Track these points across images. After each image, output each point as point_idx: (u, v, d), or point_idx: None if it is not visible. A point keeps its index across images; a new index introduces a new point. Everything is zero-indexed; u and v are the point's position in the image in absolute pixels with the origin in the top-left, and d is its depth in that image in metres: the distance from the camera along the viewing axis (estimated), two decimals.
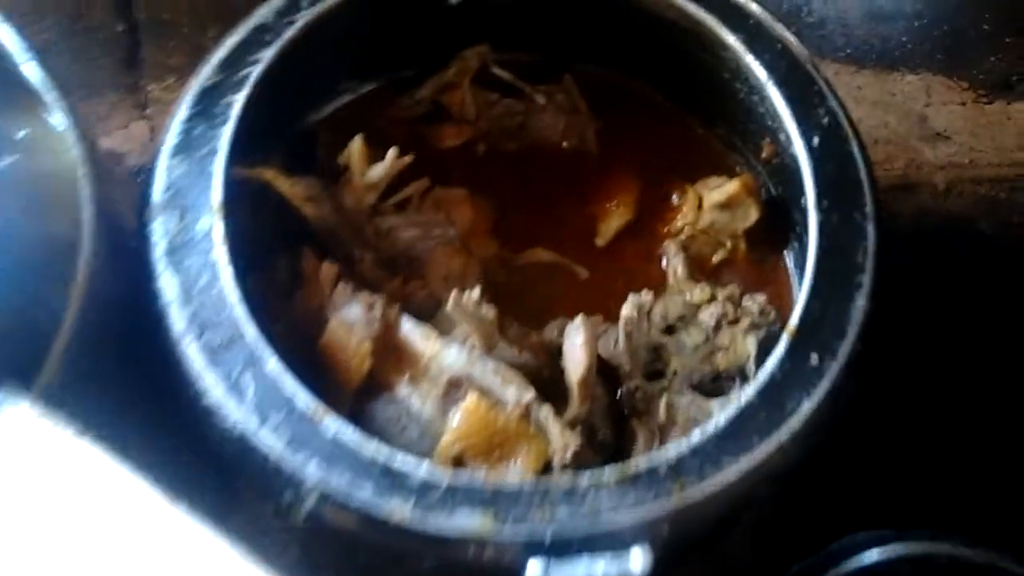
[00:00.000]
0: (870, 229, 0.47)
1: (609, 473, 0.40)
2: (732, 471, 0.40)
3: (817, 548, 0.62)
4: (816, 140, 0.50)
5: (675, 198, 0.64)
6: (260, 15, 0.53)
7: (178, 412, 0.43)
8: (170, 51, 0.82)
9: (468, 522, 0.38)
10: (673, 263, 0.62)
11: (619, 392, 0.56)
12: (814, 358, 0.43)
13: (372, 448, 0.40)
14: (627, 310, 0.55)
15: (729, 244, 0.63)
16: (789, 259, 0.62)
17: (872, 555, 0.61)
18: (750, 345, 0.57)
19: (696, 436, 0.42)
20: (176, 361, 0.42)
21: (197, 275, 0.43)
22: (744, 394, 0.43)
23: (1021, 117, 0.86)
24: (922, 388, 0.72)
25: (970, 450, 0.70)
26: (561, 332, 0.59)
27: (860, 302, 0.45)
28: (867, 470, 0.68)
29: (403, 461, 0.40)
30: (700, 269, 0.62)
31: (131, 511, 0.31)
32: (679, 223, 0.63)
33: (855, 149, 0.50)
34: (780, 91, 0.54)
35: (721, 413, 0.43)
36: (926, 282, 0.73)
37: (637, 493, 0.39)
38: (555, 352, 0.55)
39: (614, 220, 0.64)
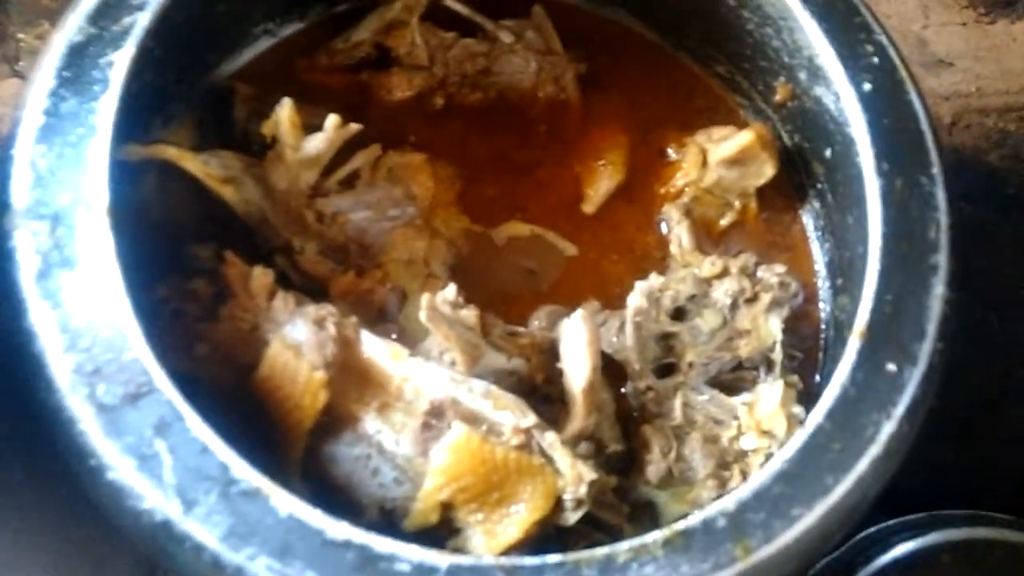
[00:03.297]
0: (941, 197, 0.38)
1: (655, 538, 0.31)
2: (804, 520, 0.32)
3: (844, 538, 0.56)
4: (866, 85, 0.41)
5: (672, 153, 0.55)
6: None
7: (80, 491, 0.32)
8: None
9: None
10: (676, 231, 0.53)
11: (623, 388, 0.47)
12: (891, 366, 0.35)
13: (341, 528, 0.30)
14: (636, 300, 0.46)
15: (738, 204, 0.54)
16: (807, 219, 0.53)
17: (907, 546, 0.55)
18: (774, 327, 0.49)
19: (757, 479, 0.33)
20: (64, 423, 0.31)
21: (81, 306, 0.31)
22: (811, 418, 0.34)
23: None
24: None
25: (995, 412, 0.64)
26: (550, 321, 0.50)
27: (938, 290, 0.36)
28: None
29: (385, 543, 0.30)
30: (706, 235, 0.53)
31: None
32: (679, 182, 0.54)
33: (914, 96, 0.41)
34: (815, 22, 0.44)
35: (786, 443, 0.34)
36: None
37: (692, 562, 0.31)
38: (549, 350, 0.45)
39: (603, 182, 0.54)
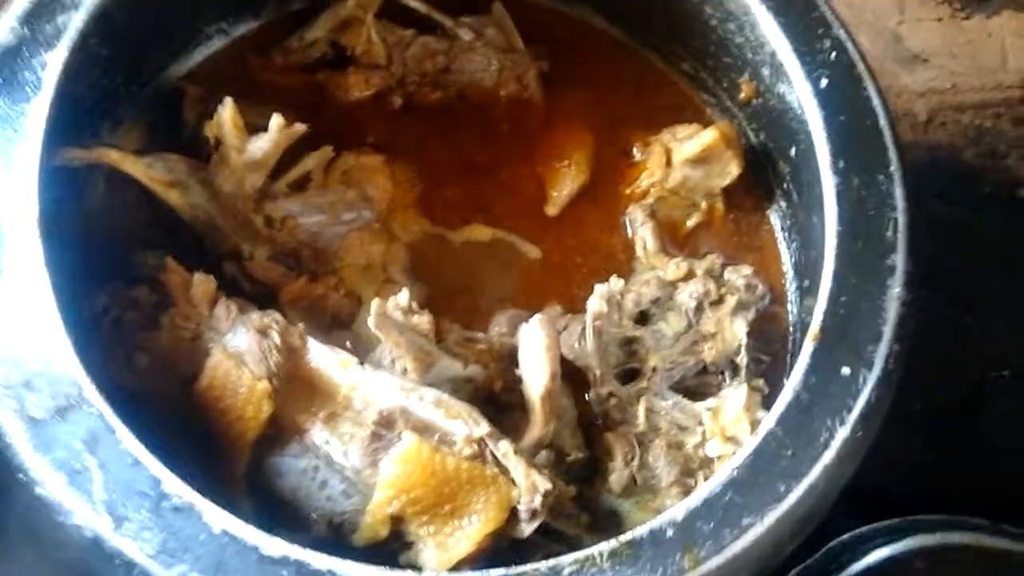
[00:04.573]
0: (899, 195, 0.38)
1: (601, 549, 0.31)
2: (754, 528, 0.32)
3: (816, 545, 0.56)
4: (823, 81, 0.41)
5: (637, 152, 0.55)
6: None
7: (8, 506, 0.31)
8: None
9: None
10: (640, 233, 0.53)
11: (587, 395, 0.47)
12: (845, 370, 0.35)
13: (277, 545, 0.30)
14: (595, 304, 0.45)
15: (704, 204, 0.54)
16: (775, 219, 0.53)
17: (881, 552, 0.55)
18: (739, 330, 0.49)
19: (708, 487, 0.33)
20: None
21: (9, 317, 0.31)
22: (763, 424, 0.34)
23: (1001, 33, 0.78)
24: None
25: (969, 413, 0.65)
26: (511, 327, 0.49)
27: (895, 291, 0.36)
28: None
29: (322, 560, 0.30)
30: (672, 236, 0.53)
31: None
32: (644, 183, 0.54)
33: (872, 92, 0.41)
34: (772, 15, 0.44)
35: (736, 451, 0.34)
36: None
37: (639, 574, 0.30)
38: (508, 357, 0.45)
39: (566, 183, 0.54)
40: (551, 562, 0.31)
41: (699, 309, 0.50)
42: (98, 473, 0.30)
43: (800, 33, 0.42)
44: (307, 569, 0.30)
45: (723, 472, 0.33)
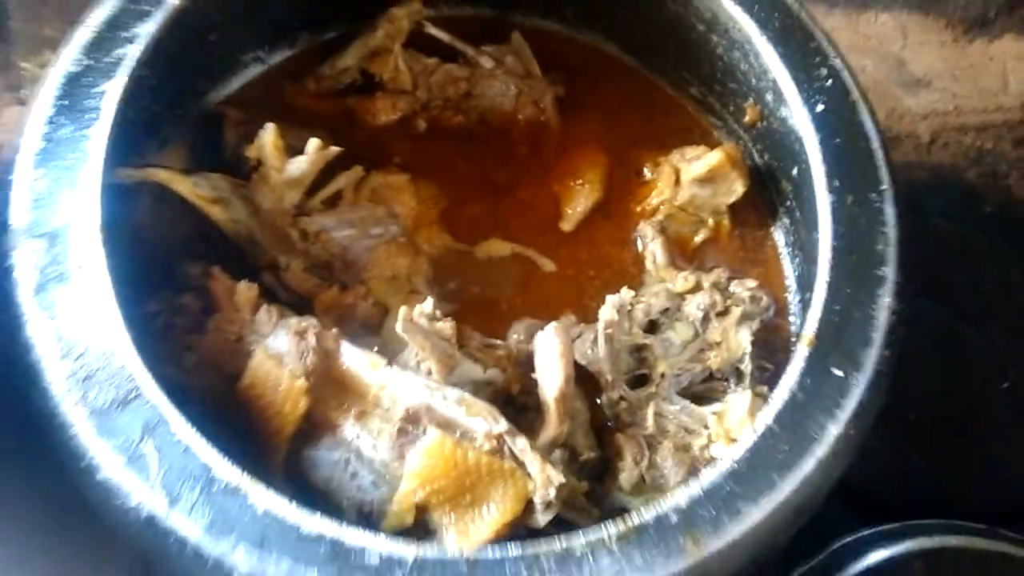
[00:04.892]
0: (890, 213, 0.41)
1: (610, 530, 0.34)
2: (751, 516, 0.35)
3: (819, 547, 0.58)
4: (820, 106, 0.44)
5: (647, 172, 0.58)
6: None
7: (73, 488, 0.35)
8: (43, 20, 0.72)
9: None
10: (651, 248, 0.56)
11: (599, 399, 0.50)
12: (837, 371, 0.38)
13: (315, 523, 0.33)
14: (607, 312, 0.49)
15: (711, 221, 0.57)
16: (778, 235, 0.57)
17: (880, 553, 0.57)
18: (744, 339, 0.52)
19: (708, 476, 0.36)
20: (58, 427, 0.34)
21: (75, 318, 0.35)
22: (761, 421, 0.37)
23: (1003, 56, 0.82)
24: (913, 351, 0.68)
25: (968, 423, 0.67)
26: (528, 335, 0.52)
27: (886, 300, 0.39)
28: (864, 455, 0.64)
29: (356, 536, 0.33)
30: (680, 251, 0.56)
31: None
32: (654, 200, 0.57)
33: (866, 116, 0.44)
34: (772, 47, 0.47)
35: (735, 445, 0.37)
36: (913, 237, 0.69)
37: (644, 551, 0.33)
38: (525, 362, 0.48)
39: (580, 201, 0.57)
40: (564, 543, 0.34)
41: (706, 319, 0.53)
42: (154, 458, 0.33)
43: (798, 61, 0.46)
44: (342, 545, 0.33)
45: (723, 464, 0.36)
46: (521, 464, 0.42)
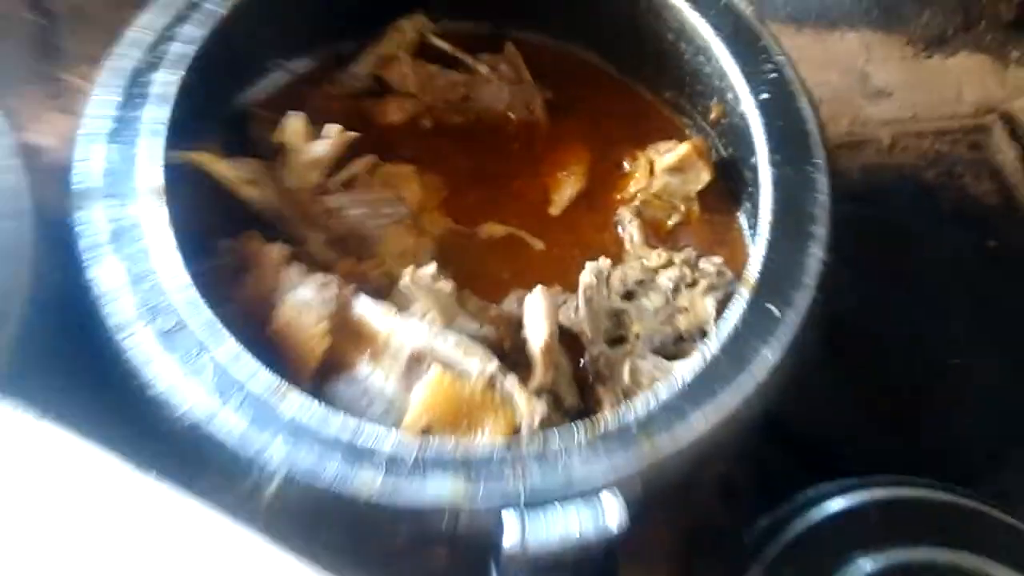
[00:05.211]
0: (822, 181, 0.49)
1: (580, 432, 0.42)
2: (699, 424, 0.42)
3: (783, 499, 0.65)
4: (764, 95, 0.52)
5: (626, 165, 0.66)
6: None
7: (129, 402, 0.42)
8: (87, 39, 0.81)
9: (441, 491, 0.39)
10: (628, 230, 0.64)
11: (582, 360, 0.58)
12: (774, 310, 0.45)
13: (338, 422, 0.41)
14: (586, 277, 0.56)
15: (683, 207, 0.65)
16: (742, 218, 0.64)
17: (839, 503, 0.64)
18: (709, 306, 0.59)
19: (663, 391, 0.43)
20: (122, 350, 0.42)
21: (141, 261, 0.43)
22: (708, 348, 0.45)
23: (958, 70, 0.90)
24: (875, 332, 0.75)
25: (921, 395, 0.74)
26: (520, 304, 0.60)
27: (816, 252, 0.47)
28: (827, 421, 0.71)
29: (370, 433, 0.41)
30: (655, 234, 0.64)
31: (104, 484, 0.31)
32: (632, 189, 0.65)
33: (804, 103, 0.52)
34: (727, 49, 0.56)
35: (688, 367, 0.44)
36: (875, 231, 0.77)
37: (608, 450, 0.41)
38: (516, 324, 0.56)
39: (567, 190, 0.65)
40: (543, 442, 0.41)
41: (676, 290, 0.61)
42: (208, 369, 0.41)
43: (747, 59, 0.54)
44: (357, 442, 0.40)
45: (677, 382, 0.44)
46: (510, 397, 0.50)
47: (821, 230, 0.47)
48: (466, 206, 0.64)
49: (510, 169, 0.66)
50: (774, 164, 0.50)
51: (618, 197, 0.65)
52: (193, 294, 0.42)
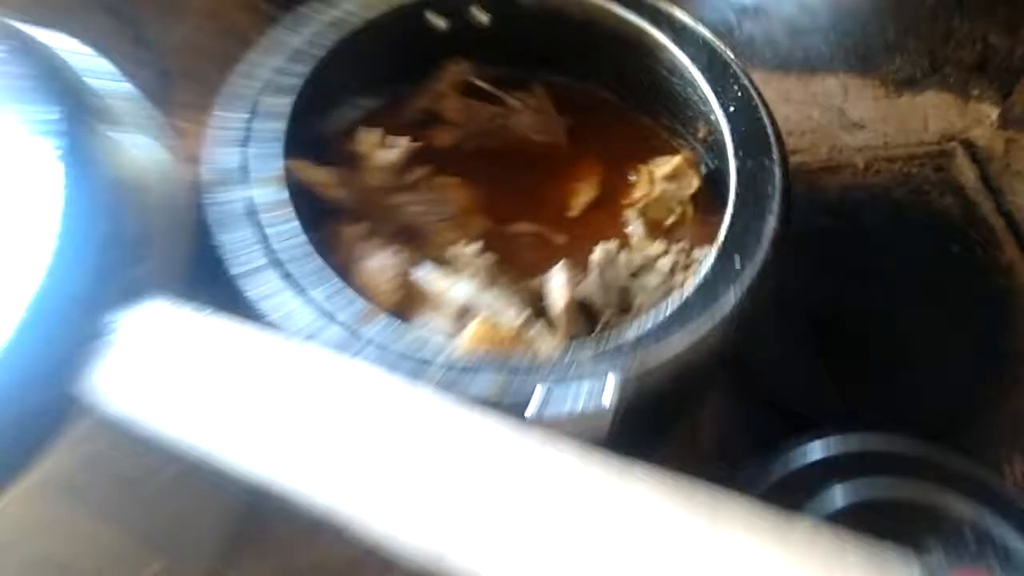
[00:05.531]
0: (776, 170, 0.64)
1: (587, 348, 0.56)
2: (678, 344, 0.56)
3: (760, 454, 0.77)
4: (732, 108, 0.68)
5: (632, 176, 0.81)
6: (292, 44, 0.71)
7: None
8: (197, 93, 0.99)
9: (483, 388, 0.53)
10: (634, 227, 0.79)
11: (596, 328, 0.72)
12: (737, 262, 0.60)
13: (407, 339, 0.56)
14: (598, 255, 0.71)
15: (678, 209, 0.79)
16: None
17: (815, 452, 0.76)
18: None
19: (651, 320, 0.57)
20: (246, 289, 0.57)
21: (264, 227, 0.59)
22: (686, 291, 0.59)
23: (925, 105, 1.04)
24: (853, 319, 0.88)
25: (895, 368, 0.86)
26: (545, 282, 0.75)
27: (771, 222, 0.61)
28: (810, 389, 0.84)
29: (431, 347, 0.55)
30: (656, 230, 0.79)
31: (291, 360, 0.45)
32: (637, 195, 0.80)
33: (762, 112, 0.67)
34: (705, 78, 0.71)
35: (671, 304, 0.59)
36: (853, 240, 0.91)
37: (609, 359, 0.55)
38: (541, 296, 0.71)
39: (583, 196, 0.80)
40: (555, 358, 0.56)
41: (672, 271, 0.75)
42: (316, 299, 0.56)
43: (719, 82, 0.69)
44: (420, 358, 0.55)
45: (660, 315, 0.58)
46: (538, 338, 0.64)
47: (775, 205, 0.62)
48: (500, 209, 0.78)
49: (537, 181, 0.80)
50: (738, 158, 0.65)
51: (625, 201, 0.80)
52: (307, 247, 0.58)
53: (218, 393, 0.45)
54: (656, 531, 0.34)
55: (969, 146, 0.98)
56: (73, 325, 0.48)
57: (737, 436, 0.78)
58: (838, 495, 0.73)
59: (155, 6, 0.96)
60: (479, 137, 0.83)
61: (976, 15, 1.04)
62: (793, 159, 0.92)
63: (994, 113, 1.00)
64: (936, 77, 1.05)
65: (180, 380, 0.45)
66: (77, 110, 0.54)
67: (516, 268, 0.75)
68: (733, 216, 0.62)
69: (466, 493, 0.38)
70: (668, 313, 0.58)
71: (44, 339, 0.46)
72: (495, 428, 0.42)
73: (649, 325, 0.57)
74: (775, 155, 0.65)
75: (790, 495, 0.74)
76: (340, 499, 0.39)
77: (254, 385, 0.45)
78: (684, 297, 0.59)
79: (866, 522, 0.72)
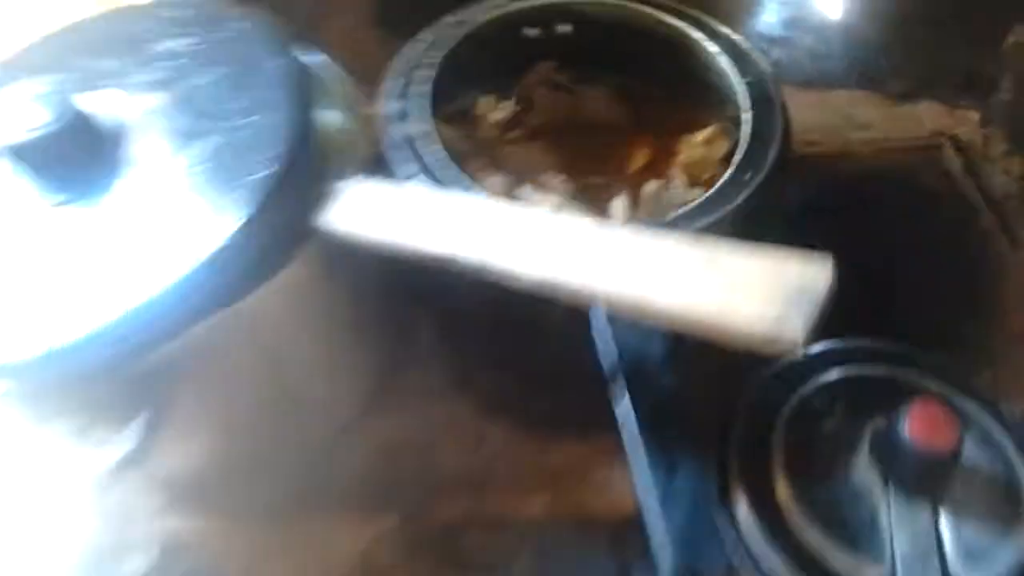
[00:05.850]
0: (778, 119, 0.90)
1: (653, 225, 0.82)
2: (702, 225, 0.81)
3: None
4: (748, 80, 0.95)
5: (678, 143, 1.08)
6: (429, 39, 1.00)
7: None
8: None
9: None
10: (677, 179, 1.05)
11: None
12: (748, 175, 0.85)
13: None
14: (647, 188, 0.97)
15: (712, 167, 1.04)
16: None
17: (817, 348, 0.97)
18: None
19: (681, 211, 0.83)
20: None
21: (424, 148, 0.87)
22: (706, 194, 0.85)
23: (920, 112, 1.28)
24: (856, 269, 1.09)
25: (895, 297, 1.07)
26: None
27: (772, 152, 0.87)
28: None
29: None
30: (694, 182, 1.03)
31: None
32: (681, 157, 1.06)
33: (774, 91, 0.94)
34: (732, 68, 0.98)
35: (696, 201, 0.84)
36: (859, 210, 1.14)
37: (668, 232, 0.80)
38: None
39: (638, 160, 0.98)
40: (633, 228, 0.81)
41: None
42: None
43: (741, 69, 0.96)
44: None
45: (689, 207, 0.83)
46: None
47: (775, 143, 0.88)
48: (575, 169, 1.04)
49: (602, 150, 1.02)
50: (749, 111, 0.92)
51: (672, 161, 1.06)
52: (447, 159, 0.86)
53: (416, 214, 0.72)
54: None
55: (955, 140, 1.22)
56: (313, 187, 0.76)
57: None
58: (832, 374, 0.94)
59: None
60: (561, 119, 1.11)
61: (961, 47, 1.30)
62: (809, 149, 1.18)
63: (975, 116, 1.24)
64: (929, 92, 1.30)
65: (389, 213, 0.73)
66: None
67: (588, 203, 1.01)
68: (746, 149, 0.88)
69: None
70: (696, 203, 0.83)
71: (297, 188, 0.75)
72: None
73: (681, 211, 0.83)
74: (777, 110, 0.91)
75: (785, 385, 0.94)
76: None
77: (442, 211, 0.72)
78: (706, 195, 0.84)
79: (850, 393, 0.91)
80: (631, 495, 0.75)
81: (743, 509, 0.74)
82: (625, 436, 0.77)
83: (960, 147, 1.21)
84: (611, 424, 0.78)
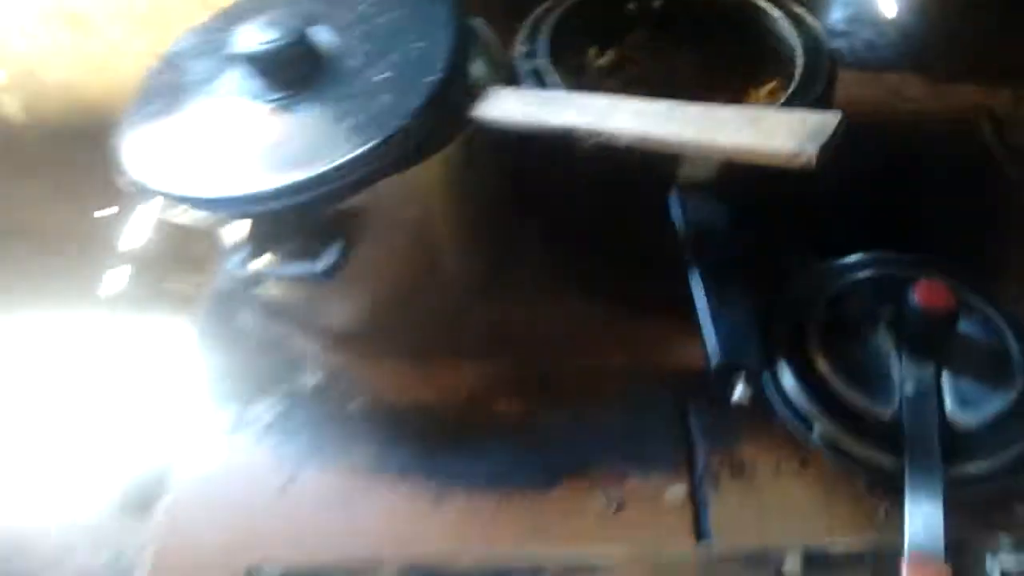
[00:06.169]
0: (824, 68, 1.15)
1: None
2: None
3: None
4: (804, 37, 1.19)
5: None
6: (547, 5, 1.29)
7: None
8: None
9: None
10: None
11: None
12: (808, 98, 1.10)
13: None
14: None
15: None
16: None
17: (840, 263, 1.12)
18: None
19: None
20: None
21: (547, 77, 1.14)
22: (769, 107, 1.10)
23: (960, 91, 1.50)
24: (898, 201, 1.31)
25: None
26: None
27: (819, 86, 1.12)
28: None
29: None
30: None
31: None
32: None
33: (822, 43, 1.19)
34: (798, 36, 1.24)
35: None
36: (904, 172, 1.36)
37: None
38: None
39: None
40: None
41: None
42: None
43: (799, 33, 1.21)
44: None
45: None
46: None
47: (823, 78, 1.13)
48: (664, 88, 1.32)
49: (690, 85, 1.30)
50: (802, 57, 1.16)
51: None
52: (562, 87, 1.13)
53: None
54: None
55: (989, 110, 1.44)
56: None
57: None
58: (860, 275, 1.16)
59: None
60: (649, 75, 1.37)
61: (998, 38, 1.52)
62: (861, 119, 1.41)
63: (1007, 93, 1.46)
64: (969, 75, 1.52)
65: (524, 104, 1.00)
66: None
67: None
68: (800, 82, 1.13)
69: None
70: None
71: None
72: None
73: None
74: (823, 59, 1.16)
75: (807, 292, 1.09)
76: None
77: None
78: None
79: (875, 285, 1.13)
80: (693, 357, 0.99)
81: (781, 360, 0.95)
82: (692, 286, 1.01)
83: (993, 117, 1.43)
84: (685, 301, 1.02)
